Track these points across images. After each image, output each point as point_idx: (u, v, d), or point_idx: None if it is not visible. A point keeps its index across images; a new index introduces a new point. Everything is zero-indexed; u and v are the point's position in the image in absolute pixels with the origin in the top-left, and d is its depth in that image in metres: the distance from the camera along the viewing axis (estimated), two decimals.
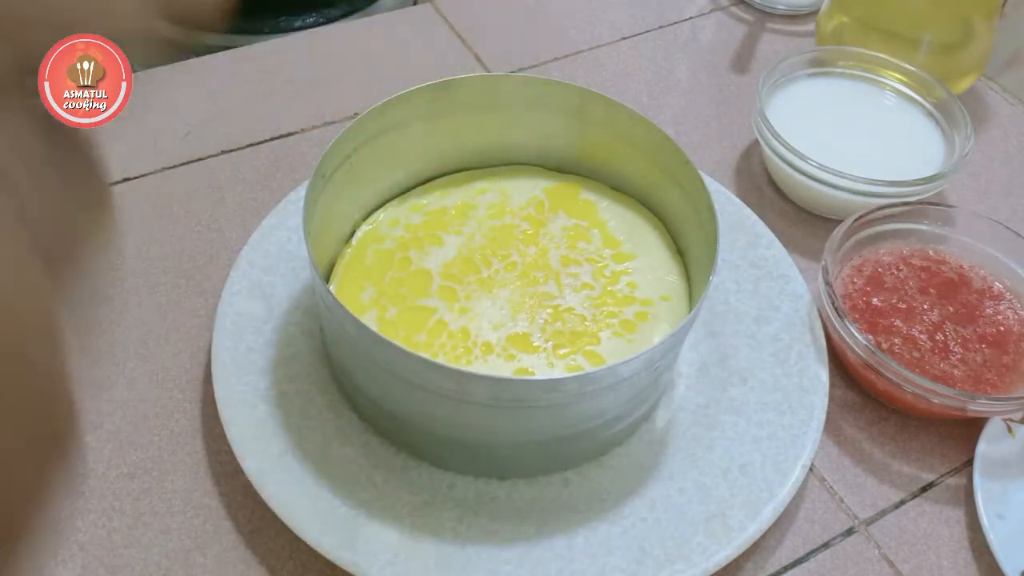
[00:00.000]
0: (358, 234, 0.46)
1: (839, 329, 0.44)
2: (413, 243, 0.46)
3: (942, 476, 0.44)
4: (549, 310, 0.43)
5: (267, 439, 0.40)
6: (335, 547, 0.37)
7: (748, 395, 0.44)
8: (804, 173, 0.52)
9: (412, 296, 0.43)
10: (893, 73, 0.58)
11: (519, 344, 0.42)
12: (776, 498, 0.40)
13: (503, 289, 0.44)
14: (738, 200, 0.52)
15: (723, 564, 0.38)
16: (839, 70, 0.59)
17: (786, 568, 0.41)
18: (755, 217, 0.51)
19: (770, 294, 0.48)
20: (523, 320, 0.43)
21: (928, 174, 0.51)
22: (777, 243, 0.50)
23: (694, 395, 0.45)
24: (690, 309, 0.43)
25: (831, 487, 0.43)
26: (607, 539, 0.39)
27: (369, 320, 0.42)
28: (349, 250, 0.45)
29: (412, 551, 0.37)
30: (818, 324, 0.47)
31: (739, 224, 0.51)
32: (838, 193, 0.51)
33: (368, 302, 0.43)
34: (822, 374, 0.45)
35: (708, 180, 0.49)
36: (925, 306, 0.46)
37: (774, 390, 0.44)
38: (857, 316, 0.46)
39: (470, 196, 0.48)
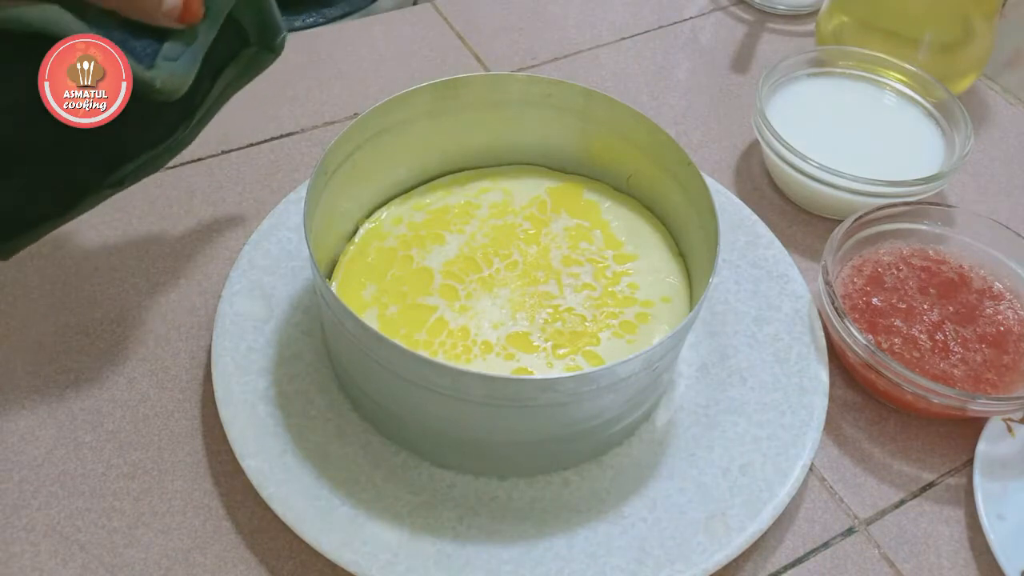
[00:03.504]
0: (360, 232, 0.46)
1: (839, 329, 0.44)
2: (415, 241, 0.46)
3: (942, 476, 0.44)
4: (549, 310, 0.43)
5: (267, 439, 0.40)
6: (335, 547, 0.37)
7: (748, 395, 0.44)
8: (804, 173, 0.52)
9: (413, 294, 0.43)
10: (893, 73, 0.58)
11: (518, 343, 0.42)
12: (776, 498, 0.40)
13: (504, 288, 0.44)
14: (738, 200, 0.52)
15: (723, 564, 0.38)
16: (839, 70, 0.59)
17: (786, 568, 0.41)
18: (755, 217, 0.51)
19: (770, 294, 0.48)
20: (523, 320, 0.43)
21: (928, 174, 0.51)
22: (777, 243, 0.50)
23: (694, 395, 0.45)
24: (690, 310, 0.43)
25: (831, 487, 0.43)
26: (607, 539, 0.39)
27: (370, 318, 0.42)
28: (351, 248, 0.46)
29: (412, 551, 0.37)
30: (818, 324, 0.47)
31: (739, 224, 0.51)
32: (838, 193, 0.51)
33: (369, 299, 0.43)
34: (822, 374, 0.45)
35: (708, 180, 0.49)
36: (925, 306, 0.46)
37: (774, 390, 0.44)
38: (857, 316, 0.46)
39: (473, 195, 0.48)
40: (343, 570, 0.38)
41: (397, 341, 0.35)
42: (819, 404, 0.43)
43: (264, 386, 0.42)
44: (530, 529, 0.39)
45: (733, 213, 0.51)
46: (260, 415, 0.41)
